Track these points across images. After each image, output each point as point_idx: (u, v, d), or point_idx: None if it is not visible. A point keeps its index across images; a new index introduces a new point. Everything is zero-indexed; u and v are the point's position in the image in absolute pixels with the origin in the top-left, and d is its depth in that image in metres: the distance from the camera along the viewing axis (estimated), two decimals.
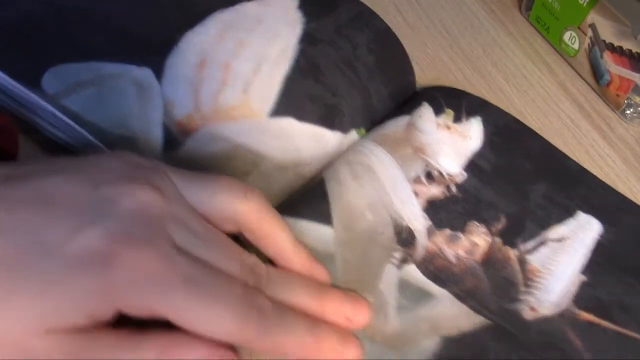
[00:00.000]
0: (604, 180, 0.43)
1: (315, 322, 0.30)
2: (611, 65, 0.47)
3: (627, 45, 0.46)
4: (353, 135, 0.41)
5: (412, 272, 0.35)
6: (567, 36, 0.50)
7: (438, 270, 0.36)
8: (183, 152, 0.37)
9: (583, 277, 0.37)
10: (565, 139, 0.46)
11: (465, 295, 0.35)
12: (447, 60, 0.50)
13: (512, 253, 0.37)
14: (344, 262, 0.35)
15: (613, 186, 0.43)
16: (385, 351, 0.32)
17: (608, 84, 0.48)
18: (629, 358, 0.33)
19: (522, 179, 0.40)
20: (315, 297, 0.31)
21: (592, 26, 0.48)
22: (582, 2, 0.48)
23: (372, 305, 0.33)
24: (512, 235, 0.38)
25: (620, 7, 0.46)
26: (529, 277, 0.36)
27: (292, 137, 0.39)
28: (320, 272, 0.33)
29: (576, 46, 0.50)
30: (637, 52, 0.45)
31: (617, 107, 0.48)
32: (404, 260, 0.36)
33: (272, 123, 0.39)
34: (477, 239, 0.37)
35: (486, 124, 0.43)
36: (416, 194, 0.38)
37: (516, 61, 0.51)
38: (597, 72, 0.49)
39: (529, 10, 0.54)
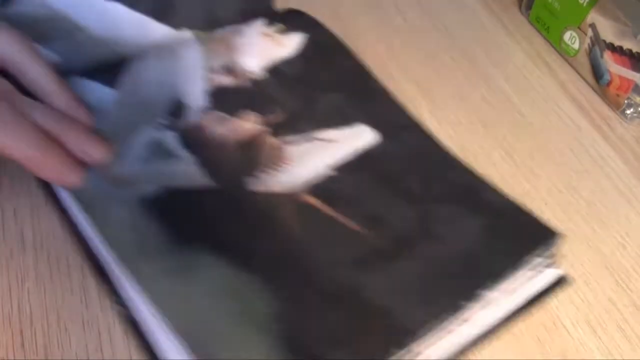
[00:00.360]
0: (604, 180, 0.43)
1: (50, 140, 0.33)
2: (611, 65, 0.47)
3: (627, 45, 0.46)
4: (187, 34, 0.45)
5: (168, 136, 0.39)
6: (567, 36, 0.50)
7: (193, 140, 0.39)
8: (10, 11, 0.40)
9: (332, 173, 0.38)
10: (565, 138, 0.46)
11: (207, 162, 0.38)
12: (447, 60, 0.50)
13: (274, 141, 0.39)
14: (114, 119, 0.39)
15: (613, 186, 0.43)
16: (108, 189, 0.36)
17: (608, 84, 0.48)
18: (342, 242, 0.35)
19: (319, 88, 0.43)
20: (60, 121, 0.34)
21: (592, 26, 0.48)
22: (582, 2, 0.48)
23: (113, 149, 0.36)
24: (283, 129, 0.40)
25: (621, 7, 0.46)
26: (277, 163, 0.38)
27: (118, 19, 0.43)
28: (83, 113, 0.36)
29: (576, 46, 0.50)
30: (637, 52, 0.45)
31: (617, 107, 0.48)
32: (166, 126, 0.39)
33: (102, 3, 0.43)
34: (246, 124, 0.40)
35: (309, 40, 0.46)
36: (208, 79, 0.42)
37: (516, 61, 0.51)
38: (597, 72, 0.48)
39: (529, 10, 0.54)
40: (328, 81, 0.44)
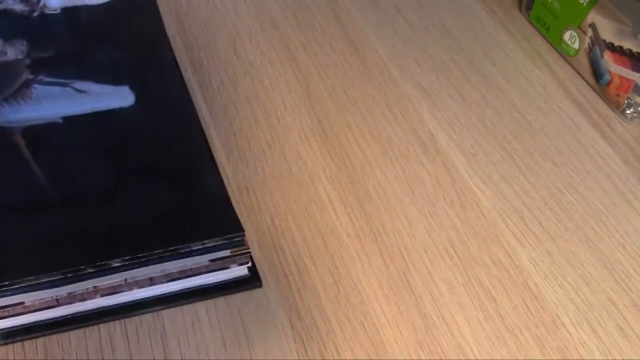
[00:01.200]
0: (604, 180, 0.43)
1: None
2: (611, 65, 0.47)
3: (627, 44, 0.46)
4: None
5: None
6: (567, 36, 0.50)
7: None
8: None
9: (58, 121, 0.38)
10: (565, 139, 0.46)
11: None
12: (447, 60, 0.50)
13: (27, 75, 0.40)
14: None
15: (613, 186, 0.43)
16: None
17: (608, 84, 0.48)
18: (20, 186, 0.35)
19: (106, 42, 0.43)
20: None
21: (593, 26, 0.48)
22: (582, 2, 0.48)
23: None
24: (44, 67, 0.40)
25: (621, 7, 0.46)
26: (18, 96, 0.39)
27: None
28: None
29: (576, 46, 0.50)
30: (637, 52, 0.45)
31: (617, 107, 0.48)
32: None
33: None
34: (10, 50, 0.40)
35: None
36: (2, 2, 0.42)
37: (516, 61, 0.51)
38: (597, 72, 0.48)
39: (529, 10, 0.54)
40: (119, 39, 0.44)
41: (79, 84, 0.40)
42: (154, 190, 0.36)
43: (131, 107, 0.40)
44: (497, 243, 0.39)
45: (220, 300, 0.35)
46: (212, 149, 0.42)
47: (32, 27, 0.42)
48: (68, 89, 0.40)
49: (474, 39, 0.52)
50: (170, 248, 0.33)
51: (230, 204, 0.36)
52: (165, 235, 0.34)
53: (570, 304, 0.37)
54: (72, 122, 0.39)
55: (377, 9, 0.49)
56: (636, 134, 0.47)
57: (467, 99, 0.47)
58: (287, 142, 0.43)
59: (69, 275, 0.32)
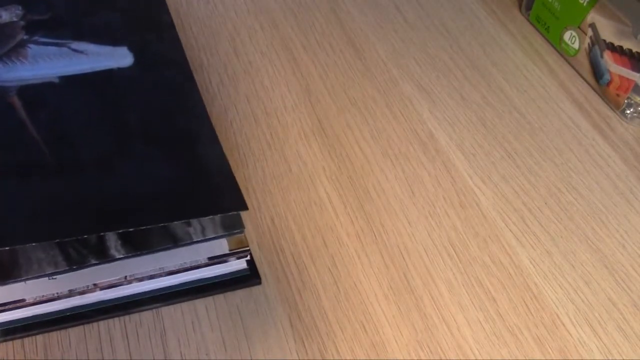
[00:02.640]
0: (604, 180, 0.43)
1: None
2: (611, 65, 0.47)
3: (627, 44, 0.46)
4: None
5: None
6: (567, 36, 0.50)
7: None
8: None
9: (55, 80, 0.38)
10: (565, 138, 0.46)
11: None
12: (447, 60, 0.50)
13: (22, 35, 0.39)
14: None
15: (613, 186, 0.43)
16: None
17: (608, 84, 0.48)
18: (16, 148, 0.34)
19: (104, 4, 0.42)
20: None
21: (592, 26, 0.48)
22: (582, 2, 0.48)
23: None
24: (41, 29, 0.40)
25: (621, 7, 0.46)
26: (13, 55, 0.38)
27: None
28: None
29: (576, 46, 0.50)
30: (637, 52, 0.45)
31: (617, 106, 0.48)
32: None
33: None
34: (4, 13, 0.39)
35: None
36: None
37: (516, 61, 0.51)
38: (597, 72, 0.48)
39: (529, 9, 0.54)
40: (116, 3, 0.43)
41: (75, 44, 0.40)
42: (154, 159, 0.35)
43: (130, 68, 0.39)
44: (497, 243, 0.39)
45: (220, 300, 0.35)
46: None
47: None
48: (64, 48, 0.39)
49: (474, 39, 0.52)
50: (172, 222, 0.32)
51: (233, 176, 0.35)
52: (165, 208, 0.33)
53: (570, 304, 0.37)
54: (69, 81, 0.38)
55: (377, 9, 0.49)
56: (636, 134, 0.47)
57: (467, 99, 0.47)
58: (287, 142, 0.43)
59: (72, 266, 0.31)
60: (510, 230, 0.40)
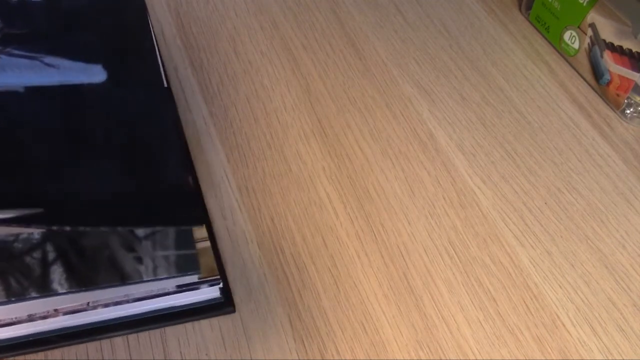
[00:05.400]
0: (604, 180, 0.43)
1: None
2: (611, 65, 0.47)
3: (627, 44, 0.46)
4: None
5: None
6: (567, 35, 0.50)
7: None
8: None
9: (20, 90, 0.37)
10: (565, 138, 0.46)
11: None
12: (447, 60, 0.50)
13: None
14: None
15: (613, 186, 0.43)
16: None
17: (608, 84, 0.48)
18: None
19: (87, 24, 0.42)
20: None
21: (592, 25, 0.48)
22: (582, 2, 0.48)
23: None
24: (15, 40, 0.39)
25: (621, 7, 0.46)
26: None
27: None
28: None
29: (576, 45, 0.50)
30: (637, 52, 0.45)
31: (617, 106, 0.48)
32: None
33: None
34: None
35: None
36: None
37: (516, 61, 0.51)
38: (597, 72, 0.48)
39: (529, 9, 0.54)
40: (98, 26, 0.42)
41: (48, 59, 0.39)
42: (108, 171, 0.34)
43: (101, 84, 0.38)
44: (497, 243, 0.39)
45: None
46: (212, 148, 0.42)
47: (8, 9, 0.41)
48: (36, 62, 0.39)
49: (474, 38, 0.52)
50: (114, 227, 0.32)
51: (191, 196, 0.34)
52: (109, 214, 0.32)
53: (570, 304, 0.37)
54: (34, 91, 0.37)
55: (377, 8, 0.49)
56: (636, 134, 0.47)
57: (467, 99, 0.47)
58: (287, 142, 0.43)
59: (10, 298, 0.30)
60: (510, 230, 0.40)
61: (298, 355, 0.33)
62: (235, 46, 0.49)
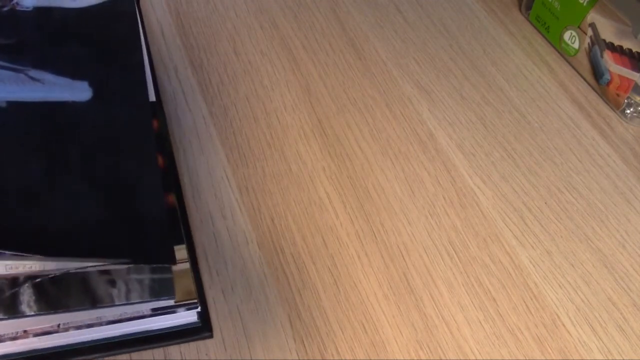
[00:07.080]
0: (604, 180, 0.43)
1: None
2: (611, 65, 0.47)
3: (627, 44, 0.46)
4: None
5: None
6: (567, 35, 0.50)
7: None
8: None
9: (2, 104, 0.36)
10: (565, 138, 0.46)
11: None
12: (447, 60, 0.50)
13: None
14: None
15: (613, 186, 0.43)
16: None
17: (608, 84, 0.48)
18: None
19: (76, 40, 0.41)
20: None
21: (592, 25, 0.48)
22: (582, 2, 0.48)
23: None
24: (2, 51, 0.39)
25: (621, 7, 0.46)
26: None
27: None
28: None
29: (576, 45, 0.50)
30: (637, 52, 0.45)
31: (617, 106, 0.48)
32: None
33: None
34: None
35: (110, 3, 0.44)
36: None
37: (516, 61, 0.51)
38: (597, 72, 0.48)
39: (529, 9, 0.54)
40: (87, 39, 0.42)
41: (34, 72, 0.39)
42: (84, 196, 0.33)
43: (85, 103, 0.38)
44: (497, 243, 0.39)
45: (220, 300, 0.35)
46: (212, 148, 0.42)
47: None
48: (21, 75, 0.38)
49: (474, 38, 0.52)
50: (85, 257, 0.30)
51: (166, 231, 0.33)
52: (80, 245, 0.31)
53: (570, 303, 0.37)
54: (16, 107, 0.36)
55: (377, 8, 0.49)
56: (636, 134, 0.47)
57: (467, 99, 0.47)
58: (287, 142, 0.43)
59: None
60: (510, 230, 0.40)
61: (298, 355, 0.33)
62: (235, 46, 0.49)
